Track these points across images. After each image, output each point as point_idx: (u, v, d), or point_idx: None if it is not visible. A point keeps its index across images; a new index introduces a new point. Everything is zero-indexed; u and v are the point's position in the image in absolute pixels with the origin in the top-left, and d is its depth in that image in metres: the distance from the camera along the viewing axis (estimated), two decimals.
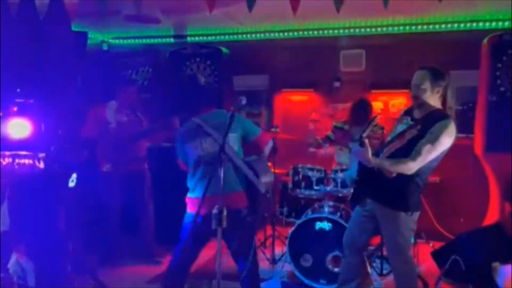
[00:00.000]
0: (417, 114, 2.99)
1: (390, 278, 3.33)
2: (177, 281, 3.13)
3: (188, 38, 6.17)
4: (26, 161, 3.16)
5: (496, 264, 3.74)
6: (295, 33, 5.80)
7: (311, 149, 4.91)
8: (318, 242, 3.90)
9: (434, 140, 2.79)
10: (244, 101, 3.03)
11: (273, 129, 4.54)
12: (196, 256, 3.15)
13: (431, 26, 5.33)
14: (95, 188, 4.31)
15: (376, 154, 2.87)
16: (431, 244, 4.76)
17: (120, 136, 4.26)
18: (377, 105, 5.67)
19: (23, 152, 3.17)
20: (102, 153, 4.32)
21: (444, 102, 3.09)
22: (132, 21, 4.91)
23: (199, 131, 3.07)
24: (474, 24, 5.18)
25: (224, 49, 5.94)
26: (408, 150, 2.83)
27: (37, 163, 3.17)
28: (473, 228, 4.35)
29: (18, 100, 3.22)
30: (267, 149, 3.25)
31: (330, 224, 3.89)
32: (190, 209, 3.12)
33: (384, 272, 4.08)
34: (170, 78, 6.07)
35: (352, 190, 3.31)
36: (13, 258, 3.23)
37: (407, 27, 5.40)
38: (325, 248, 3.88)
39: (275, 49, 5.99)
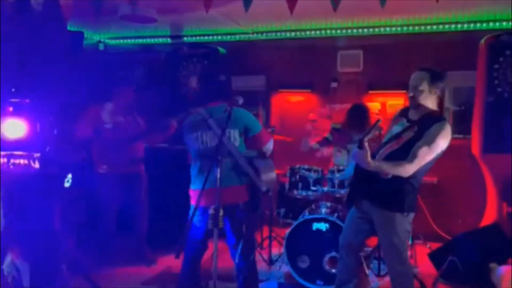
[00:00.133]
0: (413, 115, 2.98)
1: (388, 279, 3.31)
2: (191, 276, 3.12)
3: (185, 38, 6.16)
4: (21, 161, 3.14)
5: (493, 265, 3.74)
6: (292, 33, 5.80)
7: (307, 151, 4.90)
8: (315, 243, 3.89)
9: (430, 142, 2.78)
10: (240, 101, 3.03)
11: (269, 130, 4.53)
12: (204, 247, 3.14)
13: (428, 27, 5.34)
14: (91, 189, 4.29)
15: (372, 155, 2.86)
16: (428, 245, 4.76)
17: (116, 137, 4.25)
18: (374, 106, 5.67)
19: (18, 152, 3.14)
20: (98, 154, 4.30)
21: (441, 103, 3.08)
22: (128, 21, 4.89)
23: (202, 124, 3.06)
24: (472, 25, 5.19)
25: (221, 49, 5.92)
26: (404, 152, 2.82)
27: (32, 163, 3.15)
28: (470, 229, 4.35)
29: (13, 100, 3.20)
30: (267, 148, 3.18)
31: (327, 225, 3.88)
32: (192, 202, 3.12)
33: (382, 273, 4.07)
34: (166, 78, 6.06)
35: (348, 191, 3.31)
36: (8, 258, 3.21)
37: (405, 28, 5.41)
38: (322, 249, 3.87)
39: (272, 49, 5.98)
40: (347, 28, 5.56)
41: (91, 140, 4.29)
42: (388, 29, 5.46)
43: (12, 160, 3.14)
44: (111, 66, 6.00)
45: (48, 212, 3.28)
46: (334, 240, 3.62)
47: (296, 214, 4.38)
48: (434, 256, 4.14)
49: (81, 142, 4.25)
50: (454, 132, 2.91)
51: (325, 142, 4.74)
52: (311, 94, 6.00)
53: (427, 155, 2.79)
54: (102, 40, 6.34)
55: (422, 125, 2.81)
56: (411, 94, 2.93)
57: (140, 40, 6.35)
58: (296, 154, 4.91)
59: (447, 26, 5.27)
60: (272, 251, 4.46)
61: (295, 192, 4.40)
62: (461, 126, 5.24)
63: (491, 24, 5.11)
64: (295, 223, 3.99)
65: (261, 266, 4.31)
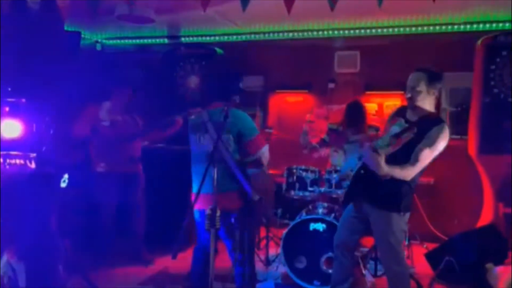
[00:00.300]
0: (411, 116, 2.98)
1: (384, 279, 3.32)
2: (200, 279, 3.10)
3: (182, 39, 6.16)
4: (17, 161, 3.13)
5: (490, 265, 3.74)
6: (290, 34, 5.81)
7: (305, 152, 4.89)
8: (312, 243, 3.89)
9: (431, 145, 2.79)
10: (237, 100, 3.01)
11: (267, 130, 4.54)
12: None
13: (425, 28, 5.35)
14: (88, 189, 4.28)
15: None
16: (425, 246, 4.77)
17: (114, 136, 4.24)
18: (371, 107, 5.68)
19: (14, 152, 3.13)
20: (95, 153, 4.29)
21: (438, 104, 3.09)
22: (125, 21, 4.89)
23: (201, 126, 3.04)
24: (468, 26, 5.20)
25: (218, 50, 5.92)
26: (404, 153, 2.82)
27: (28, 164, 3.14)
28: (467, 229, 4.36)
29: (9, 100, 3.19)
30: (261, 155, 3.02)
31: (324, 225, 3.88)
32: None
33: (378, 273, 4.07)
34: (163, 78, 6.06)
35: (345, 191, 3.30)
36: (4, 259, 3.20)
37: (402, 29, 5.42)
38: (319, 249, 3.87)
39: (270, 50, 5.99)
40: (344, 29, 5.57)
41: (89, 139, 4.28)
42: (385, 30, 5.47)
43: (8, 160, 3.13)
44: (108, 66, 5.99)
45: (44, 212, 3.27)
46: (331, 240, 3.60)
47: (293, 214, 4.37)
48: (431, 256, 4.15)
49: (79, 142, 4.25)
50: (450, 132, 2.91)
51: (322, 143, 4.75)
52: (308, 95, 6.01)
53: (428, 157, 2.81)
54: (99, 40, 6.33)
55: (422, 126, 2.81)
56: (409, 95, 2.92)
57: (137, 41, 6.34)
58: (293, 154, 4.92)
59: (443, 27, 5.29)
60: (269, 251, 4.46)
61: (292, 192, 4.41)
62: (458, 126, 5.25)
63: (487, 25, 5.13)
64: (292, 223, 3.99)
65: (258, 266, 4.30)
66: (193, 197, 3.08)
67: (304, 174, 4.40)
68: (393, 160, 2.83)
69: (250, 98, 5.90)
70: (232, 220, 2.93)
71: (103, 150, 4.27)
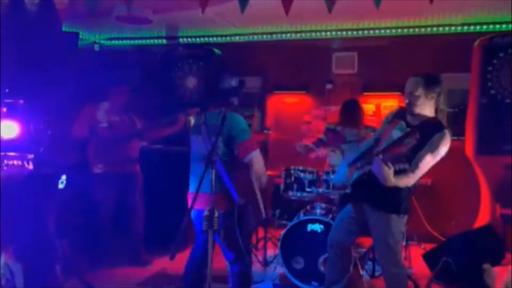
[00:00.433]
0: (411, 119, 2.98)
1: (381, 280, 3.33)
2: (192, 279, 3.12)
3: (180, 39, 6.15)
4: (15, 162, 3.13)
5: (487, 266, 3.75)
6: (288, 35, 5.81)
7: (303, 152, 4.90)
8: (310, 244, 3.89)
9: (433, 151, 2.81)
10: (236, 102, 3.01)
11: (265, 131, 4.54)
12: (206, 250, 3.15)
13: (422, 29, 5.36)
14: (85, 190, 4.27)
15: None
16: (422, 246, 4.78)
17: (111, 137, 4.24)
18: (369, 108, 5.69)
19: (12, 153, 3.13)
20: (93, 154, 4.28)
21: (435, 105, 3.10)
22: (123, 22, 4.89)
23: (199, 128, 3.06)
24: (465, 27, 5.22)
25: (216, 50, 5.93)
26: (406, 159, 2.81)
27: (26, 164, 3.14)
28: (464, 230, 4.37)
29: (7, 101, 3.19)
30: (251, 158, 2.93)
31: (322, 226, 3.88)
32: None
33: (376, 274, 4.07)
34: (161, 79, 6.06)
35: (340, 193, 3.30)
36: (2, 260, 3.19)
37: (399, 30, 5.43)
38: (317, 250, 3.87)
39: (267, 50, 5.99)
40: (342, 30, 5.58)
41: (87, 140, 4.28)
42: (382, 31, 5.48)
43: (5, 161, 3.13)
44: (106, 67, 5.99)
45: (42, 213, 3.27)
46: None
47: (291, 215, 4.38)
48: (428, 257, 4.16)
49: (76, 142, 4.24)
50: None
51: (319, 143, 4.75)
52: (306, 96, 6.01)
53: (429, 164, 2.84)
54: (97, 41, 6.33)
55: (423, 132, 2.81)
56: (407, 101, 2.93)
57: (136, 41, 6.34)
58: (291, 155, 4.92)
59: (441, 28, 5.30)
60: (267, 252, 4.45)
61: (290, 193, 4.41)
62: (455, 127, 5.26)
63: (484, 26, 5.14)
64: (290, 224, 3.99)
65: (256, 267, 4.31)
66: (188, 197, 3.12)
67: (302, 175, 4.40)
68: (395, 164, 2.82)
69: (248, 99, 5.92)
70: (219, 221, 2.90)
71: (101, 150, 4.26)
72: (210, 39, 6.04)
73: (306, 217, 3.96)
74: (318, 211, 4.09)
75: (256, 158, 2.97)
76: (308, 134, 5.76)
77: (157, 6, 4.57)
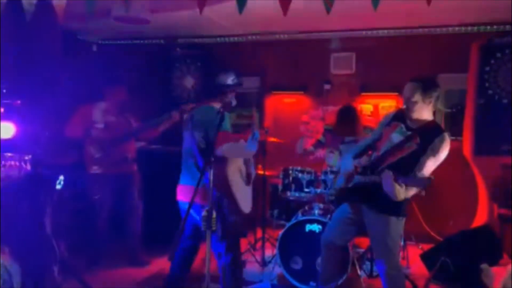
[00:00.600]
0: (410, 122, 2.98)
1: (379, 280, 3.33)
2: (177, 276, 3.19)
3: (179, 40, 6.15)
4: (12, 163, 3.12)
5: (485, 266, 3.76)
6: (286, 35, 5.81)
7: (302, 153, 4.90)
8: (308, 244, 3.89)
9: (434, 156, 2.82)
10: (233, 102, 3.01)
11: (263, 131, 4.53)
12: (194, 246, 3.23)
13: (420, 30, 5.37)
14: (83, 190, 4.26)
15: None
16: (420, 246, 4.79)
17: (108, 137, 4.23)
18: (366, 108, 5.70)
19: (9, 154, 3.12)
20: (89, 155, 4.27)
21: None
22: (121, 22, 4.88)
23: (187, 123, 3.18)
24: (463, 28, 5.22)
25: (214, 51, 5.92)
26: (407, 164, 2.84)
27: (23, 165, 3.13)
28: (462, 230, 4.37)
29: (4, 101, 3.18)
30: (222, 151, 2.92)
31: (320, 226, 3.88)
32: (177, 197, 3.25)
33: (374, 274, 4.08)
34: (159, 79, 6.05)
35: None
36: None
37: (397, 30, 5.43)
38: (315, 250, 3.85)
39: (265, 50, 5.99)
40: (340, 31, 5.58)
41: (82, 140, 4.27)
42: (380, 31, 5.49)
43: (3, 162, 3.12)
44: (104, 67, 5.98)
45: (39, 214, 3.26)
46: None
47: (289, 215, 4.38)
48: (426, 257, 4.16)
49: (72, 142, 4.23)
50: None
51: (318, 144, 4.75)
52: (304, 96, 6.01)
53: (431, 169, 2.85)
54: (95, 41, 6.31)
55: (424, 136, 2.82)
56: (405, 106, 2.94)
57: (134, 41, 6.32)
58: (289, 155, 4.92)
59: (438, 29, 5.31)
60: (265, 252, 4.45)
61: (288, 193, 4.41)
62: (453, 128, 5.28)
63: (482, 27, 5.15)
64: (288, 224, 3.99)
65: (254, 267, 4.31)
66: (177, 189, 3.22)
67: (300, 175, 4.41)
68: (396, 169, 2.82)
69: (246, 99, 5.91)
70: (204, 213, 2.87)
71: (98, 151, 4.25)
72: (208, 39, 6.03)
73: (304, 217, 3.96)
74: (316, 211, 4.09)
75: (230, 151, 2.99)
76: (307, 135, 5.75)
77: (155, 6, 4.57)
